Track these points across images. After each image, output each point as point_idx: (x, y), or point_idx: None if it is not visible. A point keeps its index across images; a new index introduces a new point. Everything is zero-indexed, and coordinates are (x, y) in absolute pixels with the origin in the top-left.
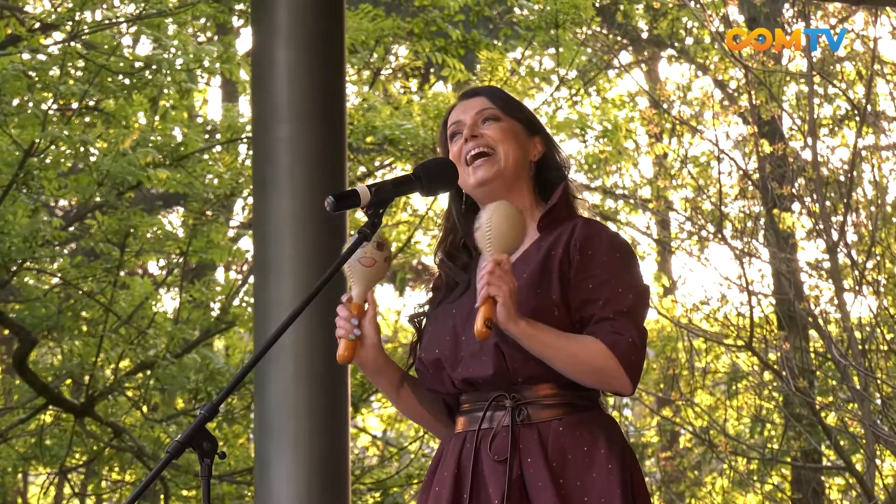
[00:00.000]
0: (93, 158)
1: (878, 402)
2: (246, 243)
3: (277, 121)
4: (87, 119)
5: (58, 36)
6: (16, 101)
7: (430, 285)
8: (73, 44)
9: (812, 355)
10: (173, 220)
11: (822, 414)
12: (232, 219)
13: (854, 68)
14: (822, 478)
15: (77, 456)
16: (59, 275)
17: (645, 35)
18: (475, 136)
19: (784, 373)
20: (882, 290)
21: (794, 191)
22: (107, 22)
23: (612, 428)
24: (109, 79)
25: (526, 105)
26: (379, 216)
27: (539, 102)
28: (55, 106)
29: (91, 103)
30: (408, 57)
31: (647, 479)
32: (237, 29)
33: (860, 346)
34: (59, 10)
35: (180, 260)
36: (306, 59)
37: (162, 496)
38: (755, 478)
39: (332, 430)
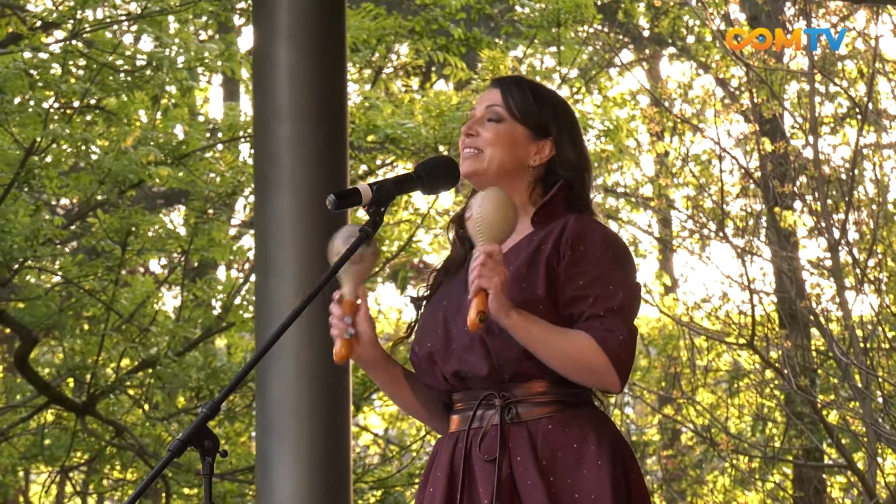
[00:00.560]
0: (94, 157)
1: (880, 400)
2: (247, 242)
3: (279, 119)
4: (88, 117)
5: (59, 34)
6: (17, 100)
7: (442, 265)
8: (74, 42)
9: (813, 353)
10: (175, 218)
11: (824, 412)
12: (233, 217)
13: (855, 66)
14: (824, 476)
15: (79, 454)
16: (61, 273)
17: (646, 33)
18: (470, 135)
19: (785, 371)
20: (883, 288)
21: (795, 189)
22: (108, 20)
23: (603, 424)
24: (111, 77)
25: (553, 99)
26: (380, 214)
27: None
28: (56, 104)
29: (92, 102)
30: (409, 55)
31: (648, 477)
32: (239, 27)
33: (862, 345)
34: (60, 8)
35: (182, 259)
36: (308, 57)
37: (163, 494)
38: (756, 476)
39: (334, 428)
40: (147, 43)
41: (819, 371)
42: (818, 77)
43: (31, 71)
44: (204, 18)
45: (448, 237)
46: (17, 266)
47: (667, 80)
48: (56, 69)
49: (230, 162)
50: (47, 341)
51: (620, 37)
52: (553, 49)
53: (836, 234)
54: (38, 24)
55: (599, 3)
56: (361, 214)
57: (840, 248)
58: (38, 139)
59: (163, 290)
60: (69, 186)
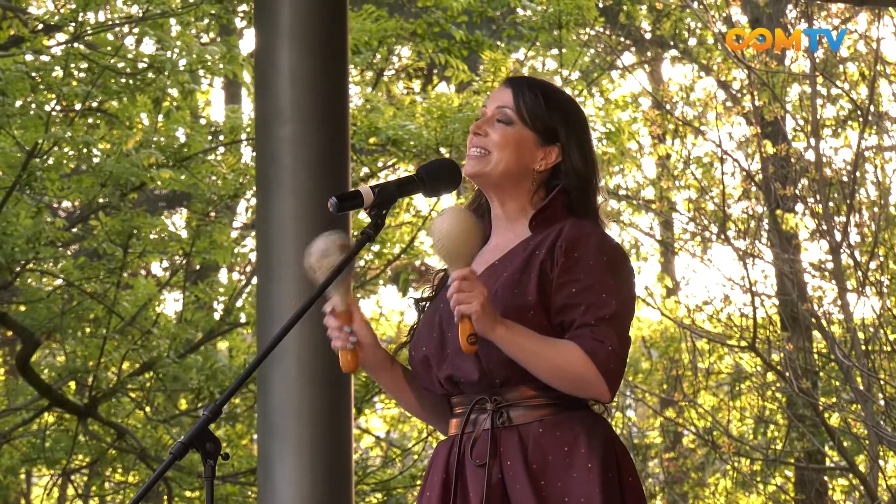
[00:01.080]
0: (96, 160)
1: (882, 402)
2: (249, 244)
3: (280, 122)
4: (90, 120)
5: (61, 37)
6: (19, 103)
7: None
8: (76, 45)
9: (815, 356)
10: (176, 221)
11: (826, 415)
12: (235, 220)
13: (857, 69)
14: (826, 479)
15: (80, 457)
16: (62, 276)
17: (648, 36)
18: (478, 134)
19: (787, 374)
20: (885, 290)
21: (797, 192)
22: (110, 23)
23: (595, 426)
24: (112, 80)
25: (565, 104)
26: (382, 217)
27: None
28: (58, 107)
29: (94, 104)
30: (411, 58)
31: (650, 479)
32: (240, 30)
33: (863, 347)
34: (62, 11)
35: (183, 261)
36: (309, 60)
37: (165, 497)
38: (758, 479)
39: (336, 430)
40: (149, 46)
41: (821, 373)
42: (820, 80)
43: (33, 73)
44: (206, 21)
45: None
46: (18, 269)
47: (668, 82)
48: (58, 72)
49: (232, 164)
50: (49, 344)
51: (622, 39)
52: (555, 51)
53: (838, 236)
54: (40, 26)
55: (601, 5)
56: (363, 217)
57: (842, 250)
58: (40, 142)
59: (164, 292)
60: (71, 189)
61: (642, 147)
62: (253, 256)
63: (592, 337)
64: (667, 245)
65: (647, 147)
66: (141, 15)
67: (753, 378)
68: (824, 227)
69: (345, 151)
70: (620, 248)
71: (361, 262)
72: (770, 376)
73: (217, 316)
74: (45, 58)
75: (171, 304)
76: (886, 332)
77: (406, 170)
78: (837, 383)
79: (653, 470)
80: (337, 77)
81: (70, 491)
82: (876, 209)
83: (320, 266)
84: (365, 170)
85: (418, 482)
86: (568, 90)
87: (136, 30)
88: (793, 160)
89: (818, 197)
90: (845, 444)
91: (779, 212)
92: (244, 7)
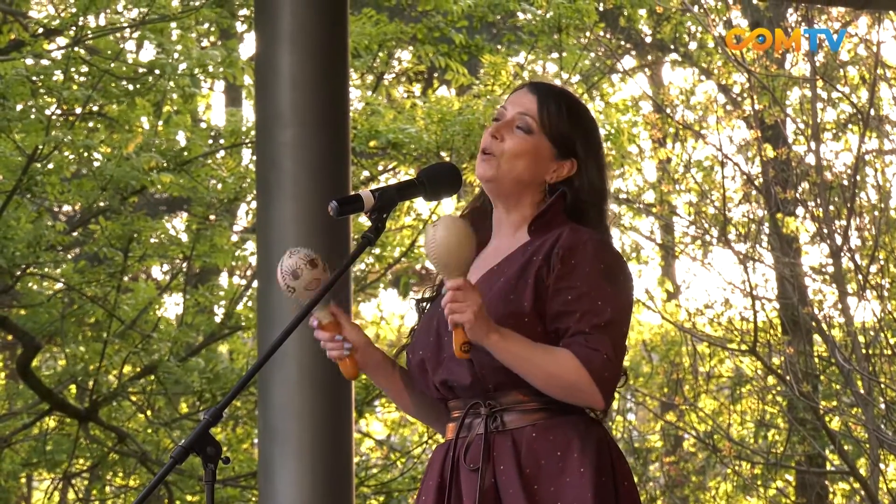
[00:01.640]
0: (96, 163)
1: (882, 406)
2: (250, 248)
3: (281, 126)
4: (90, 124)
5: (61, 41)
6: (19, 107)
7: None
8: (76, 49)
9: (816, 360)
10: (177, 224)
11: (826, 418)
12: (236, 223)
13: (857, 73)
14: (826, 482)
15: (81, 461)
16: (63, 280)
17: (648, 39)
18: (495, 137)
19: (788, 377)
20: (886, 294)
21: (797, 195)
22: (110, 27)
23: (589, 430)
24: (113, 84)
25: (587, 120)
26: (382, 221)
27: None
28: (58, 111)
29: (94, 108)
30: (411, 61)
31: (650, 483)
32: (241, 34)
33: (864, 351)
34: (62, 15)
35: (184, 265)
36: (310, 64)
37: (166, 501)
38: (759, 482)
39: (336, 433)
40: (149, 51)
41: (821, 377)
42: (820, 83)
43: (34, 77)
44: (206, 25)
45: None
46: (19, 273)
47: (669, 86)
48: (58, 76)
49: (232, 168)
50: (49, 348)
51: (622, 43)
52: (555, 55)
53: (839, 240)
54: (41, 30)
55: (601, 9)
56: (363, 220)
57: (842, 254)
58: (41, 146)
59: (165, 296)
60: (71, 193)
61: (643, 151)
62: (253, 260)
63: (586, 345)
64: (667, 249)
65: (647, 151)
66: (142, 18)
67: (754, 382)
68: (825, 231)
69: (345, 155)
70: (619, 255)
71: (362, 266)
72: (771, 380)
73: (217, 319)
74: (45, 62)
75: (172, 307)
76: (887, 336)
77: (406, 173)
78: (838, 387)
79: (653, 474)
80: (337, 81)
81: (71, 495)
82: (876, 213)
83: (297, 285)
84: (365, 173)
85: (419, 484)
86: None
87: (136, 34)
88: (793, 164)
89: (819, 200)
90: (846, 447)
91: (779, 215)
92: (245, 11)
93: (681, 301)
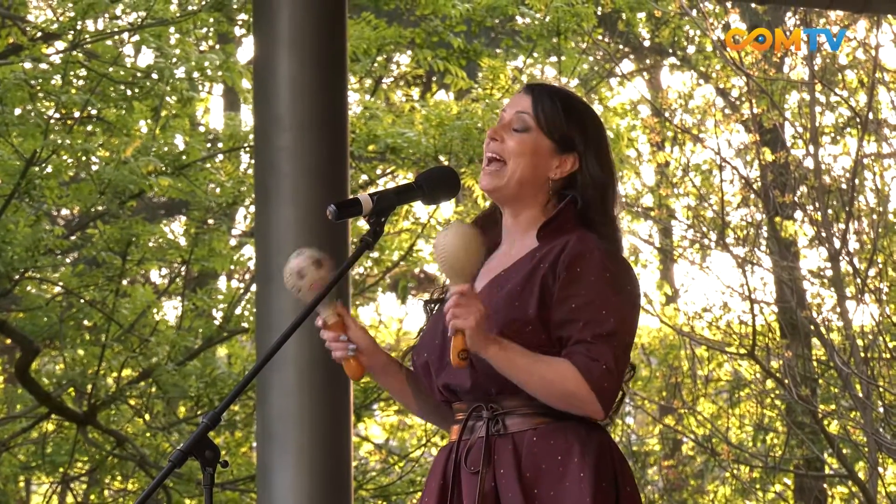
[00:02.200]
0: (94, 167)
1: (881, 410)
2: (248, 252)
3: (279, 130)
4: (88, 128)
5: (60, 45)
6: (18, 111)
7: None
8: (74, 53)
9: (814, 363)
10: (175, 228)
11: (825, 422)
12: (234, 227)
13: (856, 76)
14: (825, 486)
15: (79, 465)
16: (61, 284)
17: (647, 43)
18: (494, 139)
19: (786, 381)
20: (884, 297)
21: (795, 199)
22: (109, 31)
23: (591, 435)
24: (111, 88)
25: (584, 112)
26: (381, 224)
27: None
28: (57, 115)
29: (93, 112)
30: (409, 65)
31: (649, 487)
32: (239, 38)
33: (862, 354)
34: (60, 19)
35: (182, 269)
36: (308, 68)
37: None
38: (758, 486)
39: (335, 437)
40: (147, 55)
41: (820, 381)
42: (818, 87)
43: (32, 82)
44: (204, 30)
45: None
46: (17, 276)
47: (667, 90)
48: (56, 80)
49: (230, 172)
50: (48, 352)
51: (621, 46)
52: (553, 59)
53: (837, 243)
54: (39, 34)
55: (600, 13)
56: (362, 224)
57: (841, 257)
58: (39, 150)
59: (163, 300)
60: (69, 197)
61: (641, 154)
62: (251, 264)
63: (587, 354)
64: (666, 252)
65: (645, 154)
66: (140, 23)
67: (752, 385)
68: (823, 235)
69: (344, 159)
70: (627, 264)
71: (360, 270)
72: (769, 383)
73: (216, 323)
74: (43, 66)
75: (170, 311)
76: (885, 340)
77: (405, 177)
78: (836, 390)
79: (652, 477)
80: (336, 85)
81: (69, 499)
82: (875, 216)
83: (303, 285)
84: (364, 177)
85: (418, 488)
86: None
87: (135, 38)
88: (792, 167)
89: (817, 204)
90: (844, 451)
91: (778, 219)
92: (243, 16)
93: (679, 305)
